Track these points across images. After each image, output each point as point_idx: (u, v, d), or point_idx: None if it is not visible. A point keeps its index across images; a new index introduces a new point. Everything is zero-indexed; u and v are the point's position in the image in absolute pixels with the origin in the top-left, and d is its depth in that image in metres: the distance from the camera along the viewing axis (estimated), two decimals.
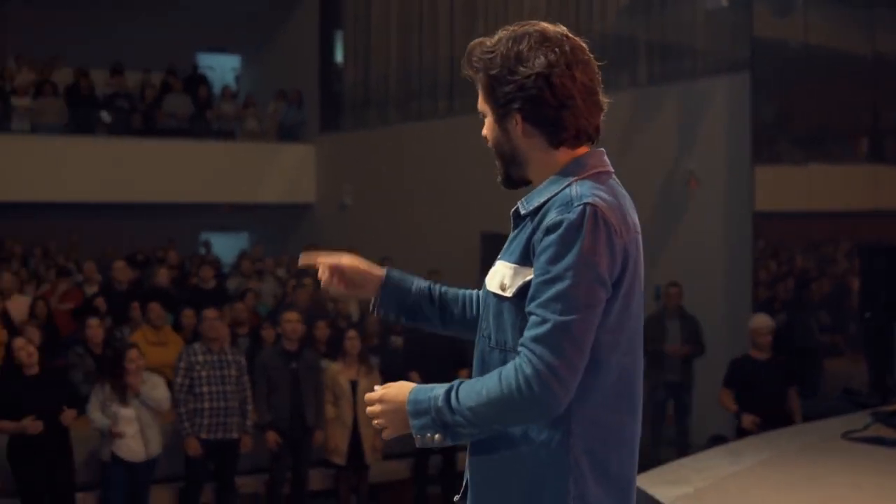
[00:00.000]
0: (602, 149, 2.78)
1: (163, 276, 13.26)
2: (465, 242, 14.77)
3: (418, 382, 2.76)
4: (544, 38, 2.67)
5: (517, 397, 2.51)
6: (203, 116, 18.75)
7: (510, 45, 2.68)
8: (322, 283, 3.03)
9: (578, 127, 2.70)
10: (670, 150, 12.19)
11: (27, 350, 8.80)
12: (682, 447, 10.51)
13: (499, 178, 2.84)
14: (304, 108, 19.28)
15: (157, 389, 9.18)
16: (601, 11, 13.31)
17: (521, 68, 2.65)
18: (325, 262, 3.02)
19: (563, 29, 2.72)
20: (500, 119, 2.75)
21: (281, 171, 18.65)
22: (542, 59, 2.64)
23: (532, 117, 2.69)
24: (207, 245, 18.88)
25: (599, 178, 2.69)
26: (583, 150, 2.74)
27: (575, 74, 2.66)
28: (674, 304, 11.01)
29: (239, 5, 20.20)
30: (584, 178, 2.66)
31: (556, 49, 2.66)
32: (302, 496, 9.99)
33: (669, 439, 11.00)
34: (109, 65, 18.86)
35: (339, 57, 19.26)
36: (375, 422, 2.73)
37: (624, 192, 2.75)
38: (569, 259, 2.52)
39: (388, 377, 10.17)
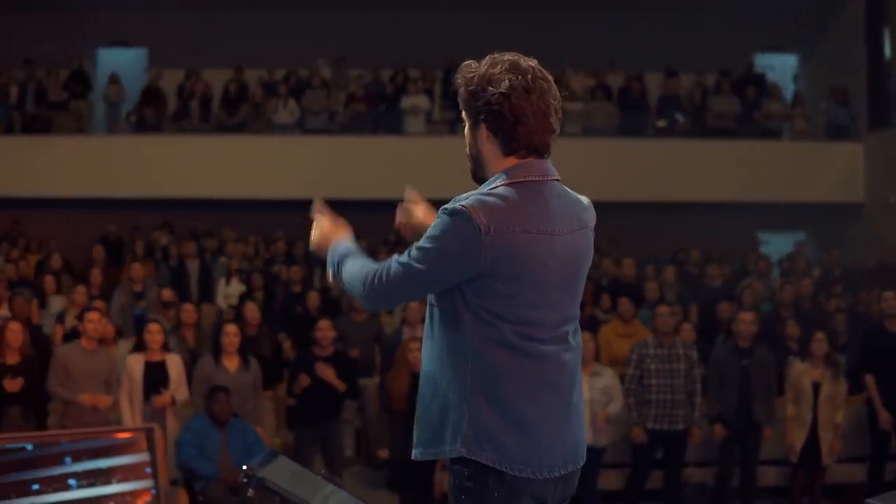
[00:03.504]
0: (539, 160, 3.47)
1: (670, 274, 14.27)
2: None
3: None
4: (513, 67, 3.41)
5: (356, 277, 3.54)
6: (751, 117, 19.38)
7: (487, 68, 3.44)
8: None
9: (529, 141, 3.43)
10: None
11: None
12: None
13: (469, 172, 3.62)
14: (851, 106, 19.27)
15: (605, 380, 10.09)
16: None
17: (490, 88, 3.40)
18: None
19: (533, 62, 3.45)
20: (473, 127, 3.52)
21: (830, 170, 18.84)
22: (507, 82, 3.38)
23: (493, 128, 3.44)
24: (755, 243, 19.50)
25: (514, 186, 3.41)
26: (528, 160, 3.46)
27: (531, 98, 3.39)
28: None
29: (795, 4, 20.52)
30: (501, 186, 3.41)
31: (520, 76, 3.39)
32: (751, 490, 10.46)
33: None
34: (664, 68, 20.06)
35: (887, 53, 19.08)
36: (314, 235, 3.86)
37: (547, 203, 3.44)
38: (435, 231, 3.37)
39: (850, 378, 10.45)
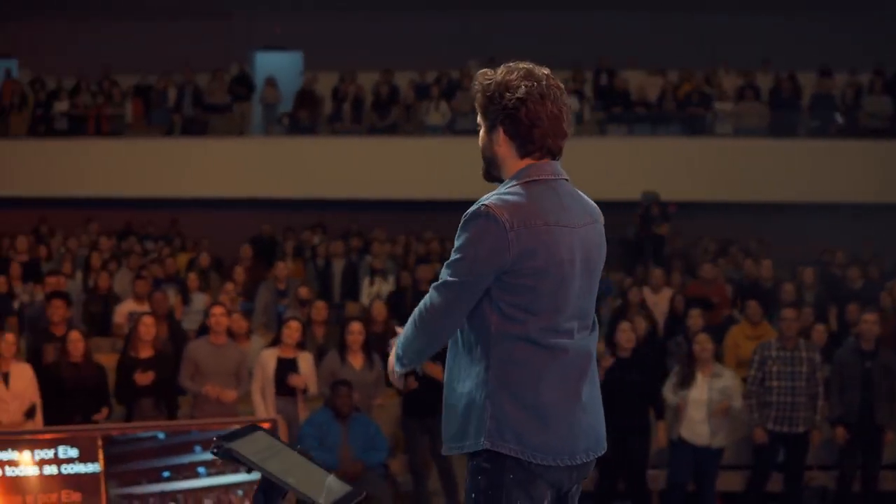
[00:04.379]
0: (552, 161, 3.71)
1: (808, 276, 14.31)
2: None
3: None
4: (528, 74, 3.68)
5: (412, 327, 3.74)
6: None
7: (503, 76, 3.70)
8: None
9: (544, 143, 3.68)
10: None
11: (627, 335, 10.28)
12: None
13: (481, 173, 3.89)
14: None
15: (724, 381, 10.17)
16: None
17: (507, 94, 3.66)
18: None
19: (546, 70, 3.72)
20: (489, 130, 3.76)
21: None
22: (523, 88, 3.64)
23: (510, 131, 3.69)
24: None
25: (529, 185, 3.66)
26: (542, 161, 3.70)
27: (546, 103, 3.65)
28: None
29: None
30: (517, 185, 3.66)
31: (535, 83, 3.65)
32: (872, 495, 10.44)
33: None
34: (817, 67, 19.92)
35: None
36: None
37: (560, 198, 3.69)
38: (461, 241, 3.61)
39: None
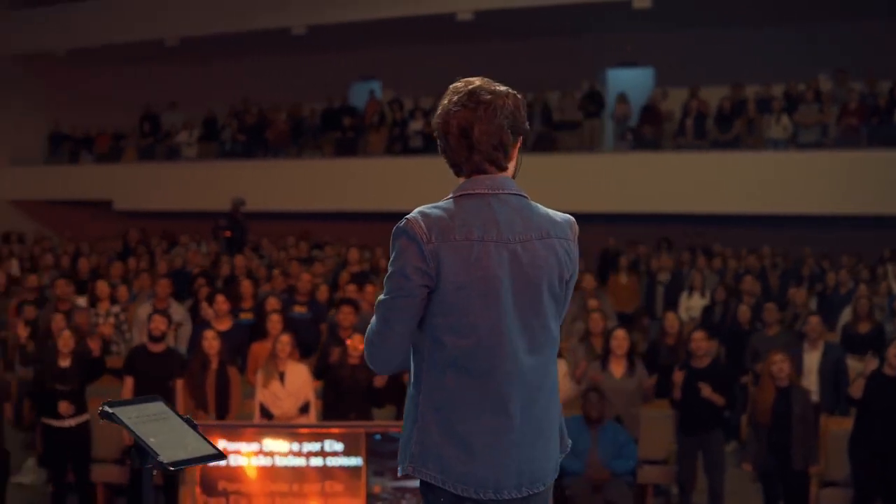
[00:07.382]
0: (488, 176, 3.57)
1: None
2: None
3: None
4: (450, 92, 3.60)
5: (365, 344, 3.66)
6: None
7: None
8: None
9: (453, 161, 3.62)
10: None
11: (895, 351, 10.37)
12: None
13: None
14: None
15: None
16: None
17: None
18: None
19: (476, 83, 3.57)
20: None
21: None
22: (439, 109, 3.61)
23: (440, 150, 3.68)
24: None
25: (459, 199, 3.54)
26: (475, 177, 3.58)
27: (450, 120, 3.55)
28: None
29: None
30: (448, 199, 3.56)
31: (447, 100, 3.58)
32: None
33: None
34: None
35: None
36: None
37: (494, 212, 3.52)
38: (391, 258, 3.51)
39: None
